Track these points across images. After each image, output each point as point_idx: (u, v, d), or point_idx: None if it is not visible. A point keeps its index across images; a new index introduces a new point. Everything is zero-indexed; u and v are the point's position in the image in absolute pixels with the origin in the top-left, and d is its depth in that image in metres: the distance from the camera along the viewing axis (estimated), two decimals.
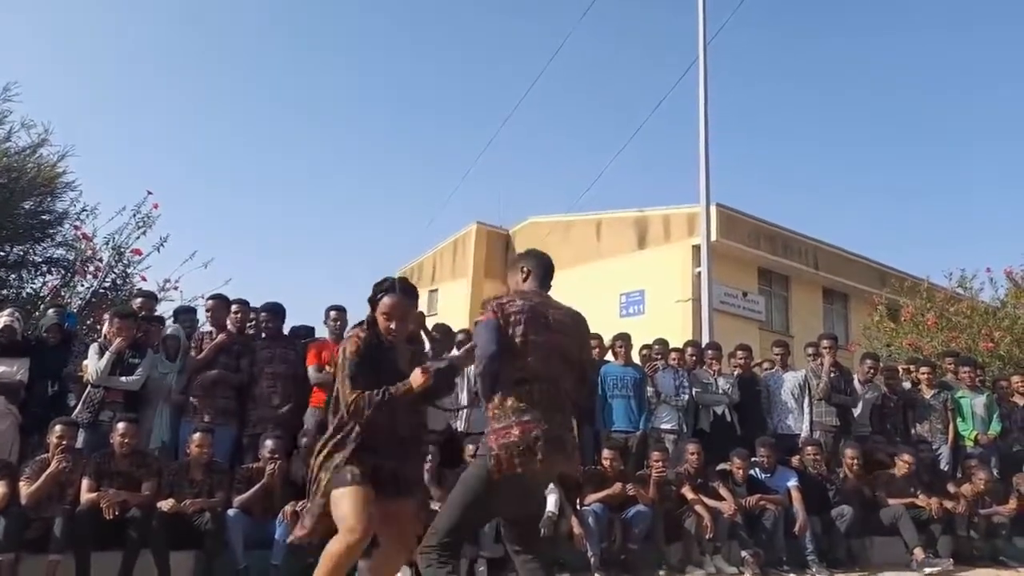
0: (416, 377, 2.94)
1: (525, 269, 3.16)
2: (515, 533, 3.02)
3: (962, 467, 7.40)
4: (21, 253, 9.51)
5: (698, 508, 6.01)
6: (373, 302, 3.14)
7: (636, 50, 52.75)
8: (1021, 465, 7.51)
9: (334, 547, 2.83)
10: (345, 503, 2.86)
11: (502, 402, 2.85)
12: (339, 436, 3.01)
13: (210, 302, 6.27)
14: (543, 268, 3.17)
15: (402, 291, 3.13)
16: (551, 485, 5.74)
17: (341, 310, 6.38)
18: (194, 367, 5.92)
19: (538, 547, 3.02)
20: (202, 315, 7.40)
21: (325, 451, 3.02)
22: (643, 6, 52.56)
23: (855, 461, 6.89)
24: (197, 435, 5.27)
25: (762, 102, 55.07)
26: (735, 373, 7.68)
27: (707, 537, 5.95)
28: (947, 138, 55.05)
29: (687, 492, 6.05)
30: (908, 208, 54.00)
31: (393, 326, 3.10)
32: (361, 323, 3.19)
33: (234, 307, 6.28)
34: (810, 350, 7.88)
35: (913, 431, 7.75)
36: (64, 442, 4.85)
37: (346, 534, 2.81)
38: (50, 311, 6.73)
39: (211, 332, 6.14)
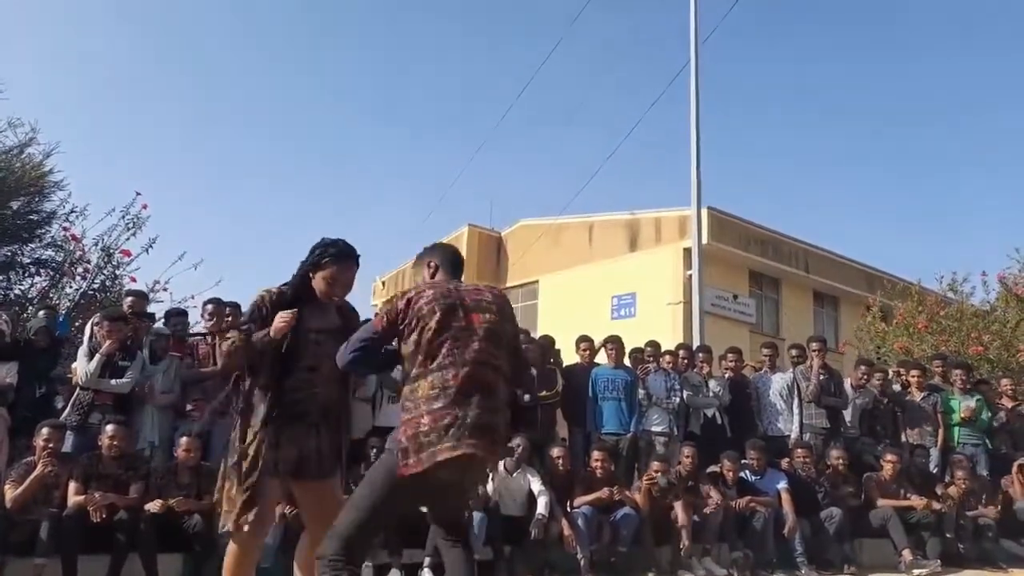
0: (276, 321, 2.89)
1: (432, 264, 2.98)
2: (443, 525, 2.85)
3: (950, 469, 7.44)
4: (9, 254, 9.45)
5: (681, 525, 5.96)
6: (317, 265, 3.06)
7: (628, 53, 52.89)
8: (1009, 467, 7.56)
9: (229, 547, 3.00)
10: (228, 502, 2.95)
11: (413, 390, 2.61)
12: (254, 410, 2.99)
13: (208, 306, 6.22)
14: (450, 260, 2.99)
15: (350, 256, 3.10)
16: (539, 485, 5.76)
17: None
18: (193, 379, 5.90)
19: (464, 536, 2.88)
20: (192, 318, 7.41)
21: (241, 432, 3.01)
22: (634, 9, 52.73)
23: (840, 461, 6.93)
24: (184, 439, 5.24)
25: (754, 106, 55.31)
26: (726, 376, 7.71)
27: (681, 552, 5.93)
28: (942, 139, 55.41)
29: (678, 508, 6.02)
30: (900, 211, 54.29)
31: (337, 292, 3.08)
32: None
33: (227, 309, 6.25)
34: (794, 352, 7.88)
35: (904, 435, 7.79)
36: (51, 445, 4.81)
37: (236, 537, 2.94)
38: (40, 313, 6.68)
39: (206, 336, 6.11)
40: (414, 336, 2.65)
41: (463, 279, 2.99)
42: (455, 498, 2.87)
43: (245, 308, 6.34)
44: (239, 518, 2.93)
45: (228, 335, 3.00)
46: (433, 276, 2.95)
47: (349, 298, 3.26)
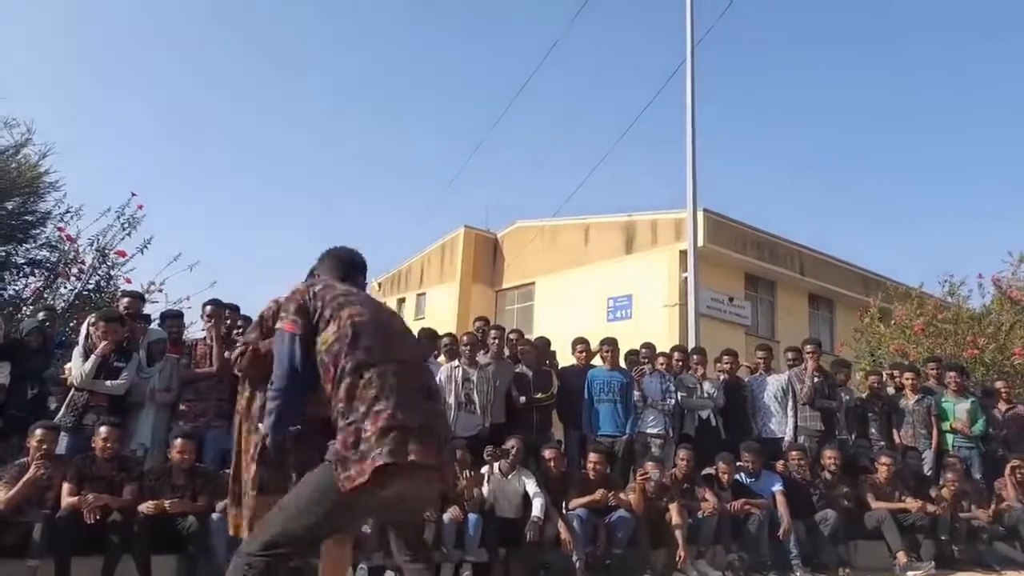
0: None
1: (316, 274, 2.83)
2: (400, 538, 2.68)
3: (943, 471, 7.46)
4: (3, 254, 9.42)
5: (676, 531, 5.95)
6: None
7: (624, 55, 52.99)
8: (1003, 470, 7.58)
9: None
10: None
11: (349, 398, 2.34)
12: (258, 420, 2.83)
13: (208, 308, 6.21)
14: (340, 269, 2.79)
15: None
16: (534, 487, 5.75)
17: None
18: (190, 378, 5.89)
19: (424, 552, 2.70)
20: (187, 320, 7.39)
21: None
22: (631, 11, 52.83)
23: (832, 461, 6.95)
24: (179, 440, 5.22)
25: (750, 107, 55.40)
26: (721, 378, 7.72)
27: (677, 563, 5.91)
28: (938, 142, 55.55)
29: (673, 511, 6.02)
30: (895, 213, 54.42)
31: None
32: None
33: (227, 312, 6.24)
34: (790, 355, 7.92)
35: (896, 436, 7.82)
36: (44, 446, 4.79)
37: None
38: (40, 314, 6.65)
39: (204, 338, 6.10)
40: (325, 334, 2.45)
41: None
42: (408, 511, 2.65)
43: (243, 309, 6.39)
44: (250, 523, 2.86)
45: (239, 345, 2.92)
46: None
47: None
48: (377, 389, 2.33)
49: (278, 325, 2.52)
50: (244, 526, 2.78)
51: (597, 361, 7.33)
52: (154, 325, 6.50)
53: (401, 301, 24.87)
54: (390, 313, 2.64)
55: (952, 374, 8.16)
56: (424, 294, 24.30)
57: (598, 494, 5.93)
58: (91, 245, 9.56)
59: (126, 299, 6.57)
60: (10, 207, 9.30)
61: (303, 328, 2.48)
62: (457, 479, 5.40)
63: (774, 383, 7.51)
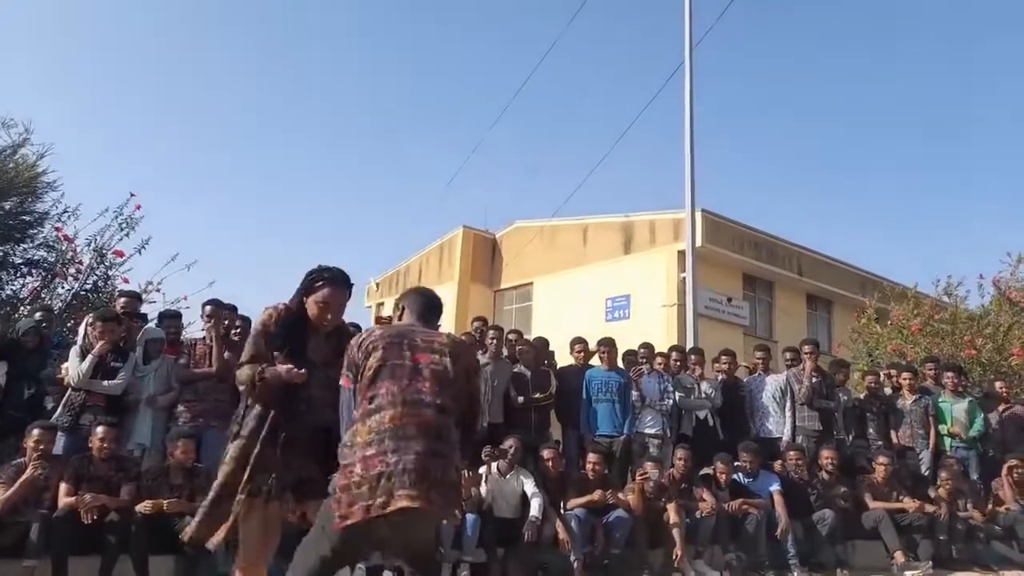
0: (286, 372, 2.85)
1: (401, 306, 2.97)
2: (406, 560, 2.78)
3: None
4: (1, 254, 9.40)
5: (674, 530, 5.95)
6: (309, 289, 3.08)
7: (623, 55, 53.00)
8: (1000, 470, 7.59)
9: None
10: (250, 528, 2.88)
11: (352, 435, 2.51)
12: (253, 424, 2.93)
13: (207, 308, 6.20)
14: (420, 305, 2.94)
15: (343, 282, 3.11)
16: (532, 487, 5.75)
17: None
18: (189, 378, 5.89)
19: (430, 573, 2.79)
20: (187, 318, 7.38)
21: (235, 440, 2.97)
22: (630, 12, 52.86)
23: (830, 461, 6.96)
24: (179, 440, 5.21)
25: (748, 108, 55.46)
26: (719, 378, 7.72)
27: (674, 563, 5.91)
28: (935, 143, 55.65)
29: (670, 510, 6.01)
30: (893, 215, 54.48)
31: (329, 317, 3.08)
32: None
33: (225, 312, 6.22)
34: (788, 355, 7.93)
35: (894, 436, 7.82)
36: (41, 447, 4.79)
37: (242, 567, 2.91)
38: (37, 314, 6.64)
39: (203, 338, 6.09)
40: (361, 373, 2.60)
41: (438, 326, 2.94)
42: (404, 547, 2.71)
43: (241, 311, 6.37)
44: (213, 536, 2.89)
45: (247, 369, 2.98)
46: (400, 319, 2.94)
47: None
48: (374, 433, 2.45)
49: (341, 381, 2.73)
50: (219, 533, 2.86)
51: (595, 361, 7.32)
52: (151, 324, 6.49)
53: None
54: (427, 352, 2.69)
55: (950, 374, 8.17)
56: None
57: (597, 494, 5.93)
58: (89, 245, 9.53)
59: (123, 298, 6.56)
60: (7, 207, 9.28)
61: (355, 381, 2.66)
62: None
63: (772, 383, 7.52)
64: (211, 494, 2.92)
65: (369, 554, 2.99)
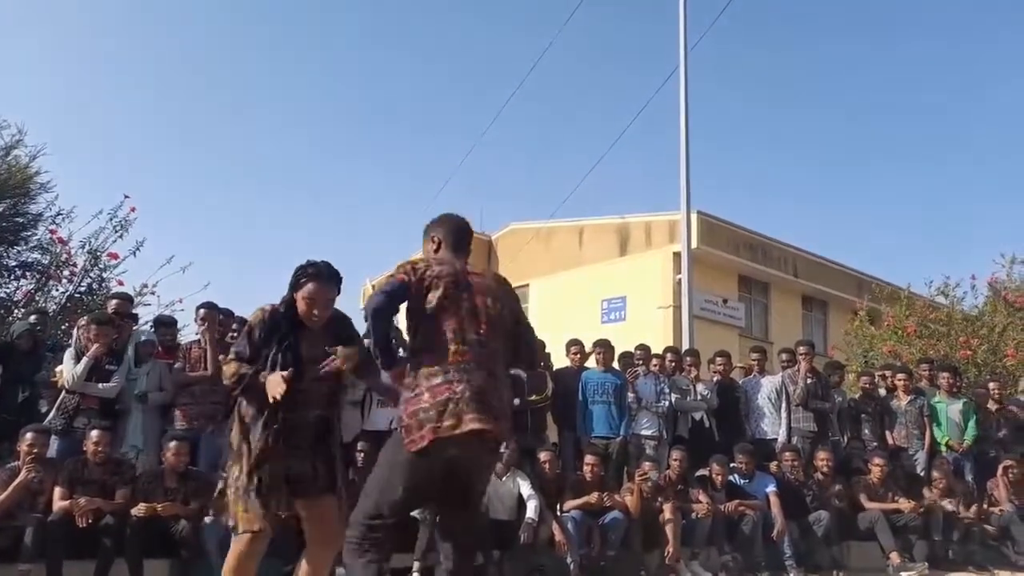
0: (272, 382, 2.86)
1: (436, 239, 2.97)
2: (448, 522, 2.87)
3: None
4: None
5: (668, 528, 5.95)
6: (295, 286, 3.08)
7: (618, 58, 53.07)
8: (995, 470, 7.61)
9: (234, 547, 2.99)
10: (240, 506, 2.95)
11: (416, 372, 2.64)
12: (253, 424, 2.98)
13: (202, 311, 6.18)
14: (455, 234, 2.98)
15: (329, 277, 3.10)
16: (528, 489, 5.74)
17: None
18: (184, 381, 5.87)
19: (477, 544, 2.95)
20: (182, 320, 7.36)
21: (238, 444, 3.02)
22: (625, 14, 52.95)
23: (825, 462, 6.96)
24: (173, 443, 5.19)
25: (743, 110, 55.57)
26: (714, 379, 7.73)
27: (666, 560, 5.91)
28: (932, 144, 55.84)
29: (666, 510, 6.01)
30: (893, 215, 54.67)
31: (316, 313, 3.07)
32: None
33: (220, 316, 6.20)
34: (784, 356, 7.94)
35: (889, 437, 7.84)
36: (35, 450, 4.77)
37: (242, 535, 2.96)
38: (32, 317, 6.62)
39: (198, 340, 6.07)
40: (420, 306, 2.68)
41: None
42: (467, 478, 2.78)
43: (238, 312, 6.35)
44: (252, 520, 2.95)
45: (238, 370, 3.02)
46: (437, 251, 2.96)
47: (337, 306, 3.27)
48: (438, 366, 2.59)
49: (396, 277, 2.73)
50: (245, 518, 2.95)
51: (591, 363, 7.32)
52: (145, 327, 6.47)
53: None
54: (482, 293, 2.81)
55: (945, 375, 8.18)
56: None
57: (593, 496, 5.93)
58: (83, 247, 9.51)
59: (115, 300, 6.54)
60: (1, 209, 9.24)
61: (407, 284, 2.69)
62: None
63: (768, 385, 7.53)
64: (241, 480, 2.96)
65: (430, 499, 2.98)
